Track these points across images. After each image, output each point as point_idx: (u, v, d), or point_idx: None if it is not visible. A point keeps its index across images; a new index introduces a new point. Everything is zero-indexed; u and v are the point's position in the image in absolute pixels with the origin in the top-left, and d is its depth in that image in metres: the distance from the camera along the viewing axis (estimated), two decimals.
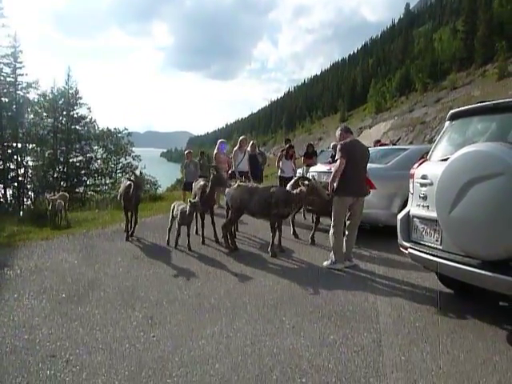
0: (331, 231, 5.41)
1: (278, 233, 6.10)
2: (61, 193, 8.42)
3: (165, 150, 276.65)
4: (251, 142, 10.71)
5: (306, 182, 5.90)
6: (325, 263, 5.44)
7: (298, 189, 5.86)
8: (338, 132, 5.64)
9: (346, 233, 5.46)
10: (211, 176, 6.62)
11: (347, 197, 5.31)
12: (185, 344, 3.22)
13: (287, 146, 11.08)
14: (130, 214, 7.00)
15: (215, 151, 10.59)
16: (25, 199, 20.00)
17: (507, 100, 3.71)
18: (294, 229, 7.36)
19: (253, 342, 3.27)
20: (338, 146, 5.38)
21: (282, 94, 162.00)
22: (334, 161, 9.74)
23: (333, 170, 5.44)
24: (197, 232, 6.97)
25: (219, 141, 11.03)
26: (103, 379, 2.72)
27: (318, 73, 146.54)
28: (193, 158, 11.61)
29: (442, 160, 3.81)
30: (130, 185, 6.72)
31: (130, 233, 6.92)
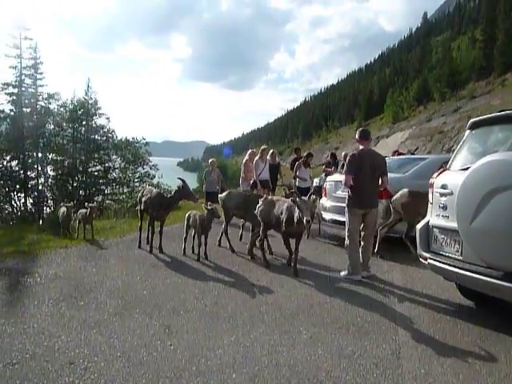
0: (346, 242, 5.39)
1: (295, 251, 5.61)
2: (91, 204, 8.13)
3: (181, 160, 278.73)
4: (271, 151, 10.69)
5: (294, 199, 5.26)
6: (342, 273, 5.40)
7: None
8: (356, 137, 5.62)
9: (362, 243, 5.43)
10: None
11: (356, 208, 5.33)
12: (201, 353, 3.22)
13: (306, 154, 11.02)
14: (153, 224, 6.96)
15: (246, 158, 10.48)
16: (44, 208, 20.34)
17: None
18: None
19: (270, 352, 3.25)
20: (345, 161, 5.48)
21: (299, 104, 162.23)
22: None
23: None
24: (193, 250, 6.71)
25: (250, 151, 10.72)
26: None
27: (335, 82, 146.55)
28: (216, 167, 11.27)
29: (463, 169, 3.76)
30: (159, 194, 6.93)
31: (152, 243, 6.80)
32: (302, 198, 5.17)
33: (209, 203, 6.68)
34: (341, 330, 3.69)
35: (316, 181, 11.60)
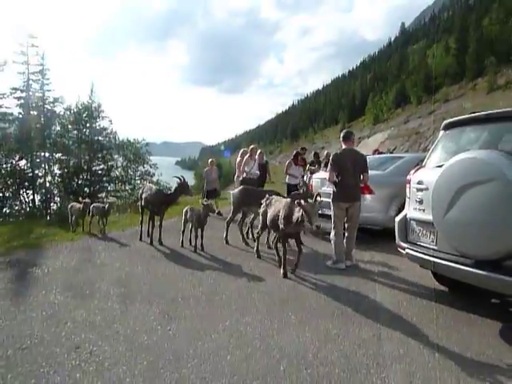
0: (332, 233, 5.44)
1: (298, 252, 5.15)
2: (110, 199, 7.86)
3: (179, 159, 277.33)
4: (258, 151, 10.64)
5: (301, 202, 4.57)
6: (328, 262, 5.43)
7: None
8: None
9: (346, 234, 5.48)
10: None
11: (341, 202, 5.40)
12: (199, 337, 3.22)
13: (295, 152, 10.96)
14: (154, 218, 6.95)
15: (238, 158, 10.40)
16: (51, 204, 20.18)
17: (498, 111, 3.68)
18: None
19: (261, 335, 3.26)
20: (328, 160, 5.58)
21: (287, 107, 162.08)
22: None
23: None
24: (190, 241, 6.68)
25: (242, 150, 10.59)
26: (124, 369, 2.73)
27: (321, 87, 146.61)
28: (215, 166, 11.13)
29: (437, 166, 3.79)
30: (160, 190, 6.88)
31: (152, 236, 6.78)
32: (309, 201, 4.56)
33: (204, 199, 6.68)
34: (327, 315, 3.71)
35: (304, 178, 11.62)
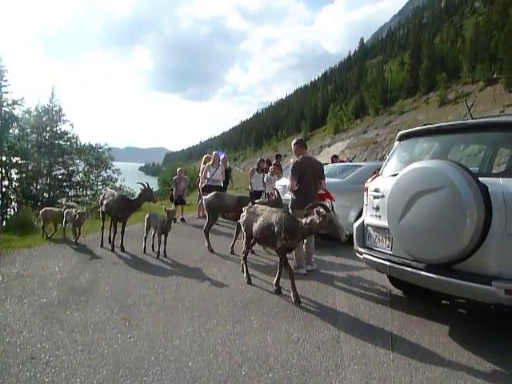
0: None
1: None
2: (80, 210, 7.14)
3: (143, 165, 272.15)
4: (222, 156, 10.60)
5: (323, 211, 4.05)
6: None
7: (310, 218, 4.17)
8: (293, 146, 5.70)
9: (305, 240, 5.51)
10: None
11: (301, 210, 5.41)
12: (160, 344, 3.15)
13: (259, 159, 10.97)
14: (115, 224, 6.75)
15: (201, 166, 10.24)
16: (8, 209, 19.18)
17: (448, 123, 3.88)
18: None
19: (223, 340, 3.23)
20: (290, 166, 5.59)
21: (252, 115, 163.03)
22: None
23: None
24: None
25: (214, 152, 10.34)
26: (82, 379, 2.62)
27: (284, 97, 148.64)
28: (183, 175, 10.79)
29: (393, 175, 3.90)
30: (123, 196, 6.64)
31: (114, 242, 6.56)
32: (330, 207, 4.16)
33: (171, 205, 6.58)
34: (288, 319, 3.73)
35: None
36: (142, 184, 6.59)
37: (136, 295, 4.32)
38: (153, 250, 6.33)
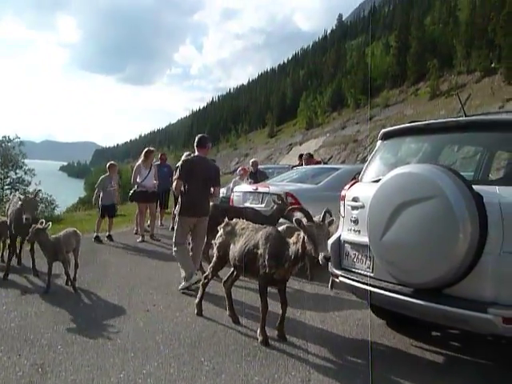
0: (174, 249, 5.85)
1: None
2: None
3: (65, 164, 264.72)
4: (160, 155, 10.43)
5: (303, 220, 3.74)
6: (181, 285, 5.64)
7: (296, 235, 3.89)
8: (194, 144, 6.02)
9: (191, 248, 5.94)
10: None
11: (187, 217, 5.77)
12: None
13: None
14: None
15: (138, 163, 9.88)
16: None
17: (438, 121, 4.04)
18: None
19: None
20: (179, 163, 6.02)
21: (205, 104, 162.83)
22: (254, 179, 9.93)
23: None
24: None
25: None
26: None
27: (246, 82, 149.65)
28: (116, 173, 10.13)
29: (374, 181, 3.98)
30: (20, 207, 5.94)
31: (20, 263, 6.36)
32: (314, 219, 3.77)
33: (40, 222, 5.90)
34: (247, 358, 3.73)
35: (223, 191, 11.67)
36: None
37: (51, 333, 4.18)
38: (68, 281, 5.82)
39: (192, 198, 5.69)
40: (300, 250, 3.73)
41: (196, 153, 5.96)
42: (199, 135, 6.13)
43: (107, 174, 9.63)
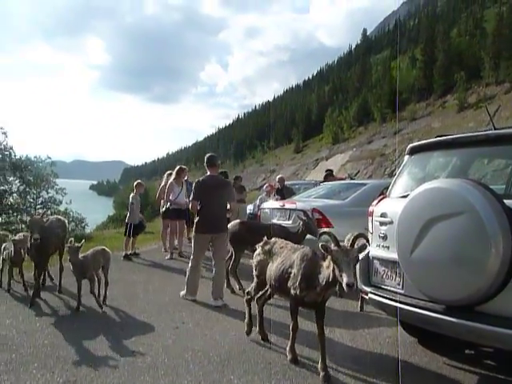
0: (189, 265, 6.15)
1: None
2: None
3: (95, 182, 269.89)
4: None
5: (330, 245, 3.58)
6: (181, 293, 6.13)
7: (328, 259, 3.65)
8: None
9: (214, 270, 6.03)
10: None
11: (203, 233, 6.00)
12: None
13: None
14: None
15: (162, 183, 10.07)
16: None
17: (466, 135, 3.99)
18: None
19: None
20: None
21: (231, 121, 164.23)
22: (280, 195, 9.96)
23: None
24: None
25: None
26: None
27: (271, 99, 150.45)
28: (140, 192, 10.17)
29: (402, 197, 3.96)
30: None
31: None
32: (342, 244, 3.63)
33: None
34: (277, 376, 3.72)
35: (250, 207, 11.73)
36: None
37: (83, 351, 4.25)
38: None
39: (206, 215, 5.94)
40: (331, 275, 3.56)
41: (208, 172, 6.20)
42: (208, 155, 6.37)
43: (134, 192, 9.87)
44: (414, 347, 4.48)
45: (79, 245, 5.57)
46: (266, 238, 4.69)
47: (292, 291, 3.90)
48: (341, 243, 3.58)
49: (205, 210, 5.97)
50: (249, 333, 4.64)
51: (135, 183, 10.20)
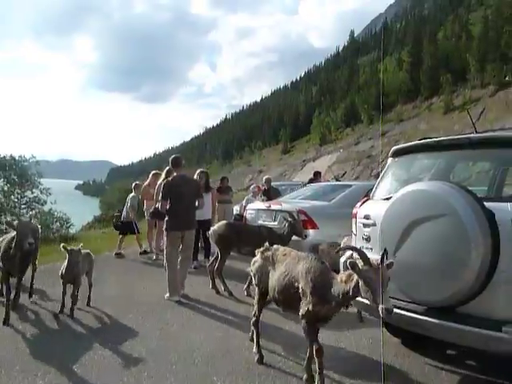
0: (165, 264, 6.32)
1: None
2: None
3: (81, 182, 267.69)
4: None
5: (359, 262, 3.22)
6: (166, 295, 6.14)
7: (347, 273, 3.35)
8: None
9: (179, 266, 6.23)
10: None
11: (174, 231, 6.21)
12: None
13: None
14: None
15: (146, 183, 10.15)
16: None
17: (449, 138, 4.04)
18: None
19: None
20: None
21: (219, 121, 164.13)
22: (267, 197, 9.97)
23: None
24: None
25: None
26: None
27: (259, 99, 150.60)
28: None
29: (386, 199, 3.98)
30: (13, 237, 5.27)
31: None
32: (372, 261, 3.18)
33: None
34: (260, 377, 3.73)
35: (236, 208, 11.73)
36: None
37: (67, 353, 4.23)
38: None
39: (176, 214, 6.18)
40: (351, 294, 3.26)
41: (174, 173, 6.54)
42: (172, 156, 6.69)
43: (134, 192, 10.26)
44: (397, 348, 4.53)
45: (80, 248, 5.42)
46: (267, 243, 4.37)
47: (302, 307, 3.55)
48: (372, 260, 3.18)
49: (174, 209, 6.18)
50: (261, 362, 4.05)
51: (134, 184, 10.74)
